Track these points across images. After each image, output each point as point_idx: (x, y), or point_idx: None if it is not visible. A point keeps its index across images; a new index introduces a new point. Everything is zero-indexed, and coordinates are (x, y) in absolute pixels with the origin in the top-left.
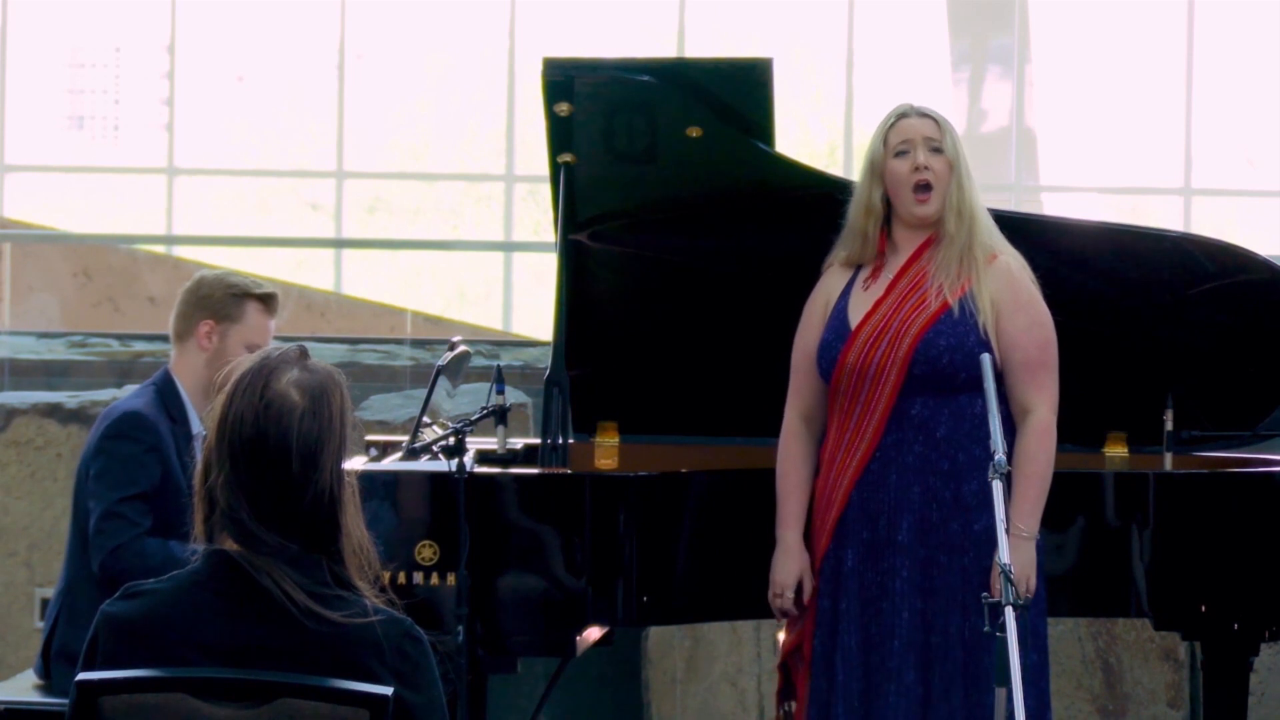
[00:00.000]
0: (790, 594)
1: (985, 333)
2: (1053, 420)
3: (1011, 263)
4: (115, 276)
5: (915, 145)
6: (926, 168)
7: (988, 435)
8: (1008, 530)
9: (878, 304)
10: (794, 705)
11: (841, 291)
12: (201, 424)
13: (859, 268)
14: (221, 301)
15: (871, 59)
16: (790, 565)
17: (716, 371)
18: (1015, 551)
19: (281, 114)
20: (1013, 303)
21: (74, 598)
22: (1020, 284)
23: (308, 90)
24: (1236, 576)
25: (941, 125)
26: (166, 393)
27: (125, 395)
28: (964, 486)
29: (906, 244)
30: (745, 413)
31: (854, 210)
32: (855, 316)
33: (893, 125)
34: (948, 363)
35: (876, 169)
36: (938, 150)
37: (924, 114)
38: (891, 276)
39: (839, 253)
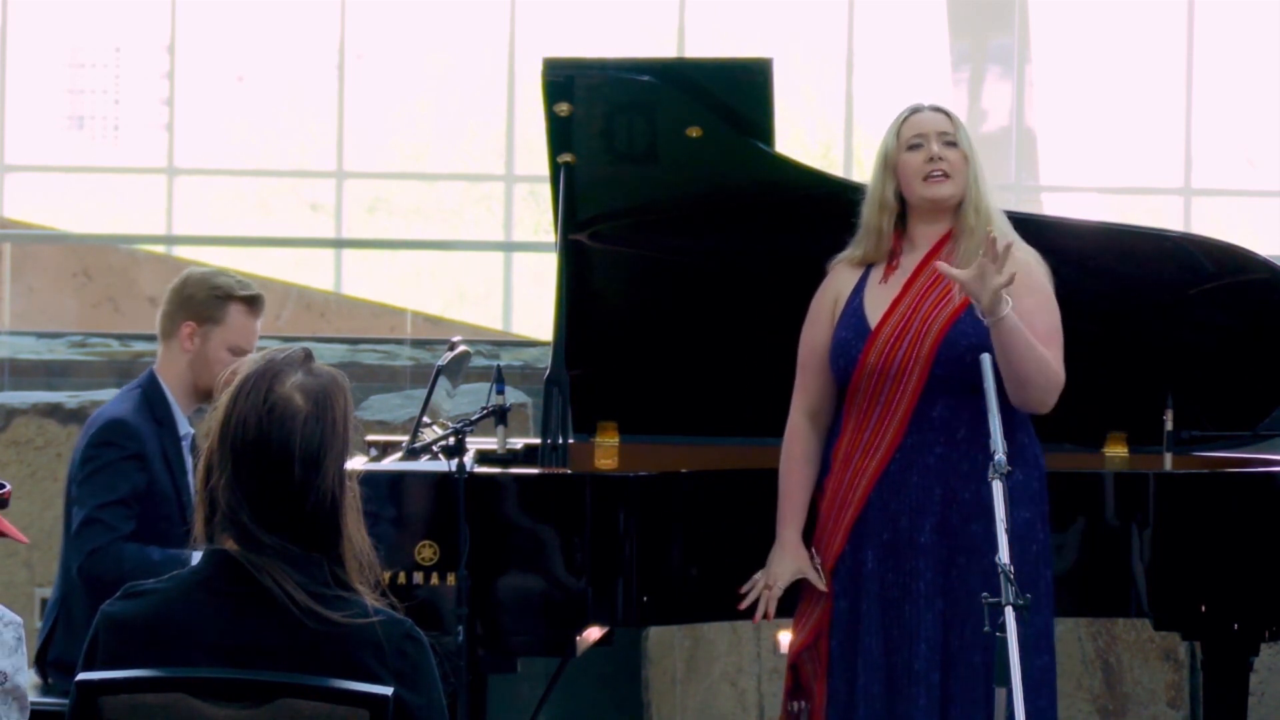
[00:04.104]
0: (780, 590)
1: None
2: (1062, 376)
3: (1027, 255)
4: (115, 276)
5: (929, 138)
6: (941, 158)
7: (1006, 436)
8: (1006, 500)
9: (896, 302)
10: (803, 705)
11: (854, 288)
12: (190, 425)
13: (870, 265)
14: (204, 303)
15: (871, 59)
16: (787, 562)
17: (716, 371)
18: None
19: (281, 114)
20: (1025, 286)
21: (69, 605)
22: (1034, 272)
23: (308, 90)
24: (1236, 576)
25: (955, 121)
26: (152, 395)
27: (111, 400)
28: (985, 488)
29: (924, 240)
30: (745, 413)
31: (867, 208)
32: (873, 315)
33: (906, 119)
34: (970, 362)
35: (890, 163)
36: (952, 144)
37: (937, 109)
38: (909, 274)
39: (852, 252)
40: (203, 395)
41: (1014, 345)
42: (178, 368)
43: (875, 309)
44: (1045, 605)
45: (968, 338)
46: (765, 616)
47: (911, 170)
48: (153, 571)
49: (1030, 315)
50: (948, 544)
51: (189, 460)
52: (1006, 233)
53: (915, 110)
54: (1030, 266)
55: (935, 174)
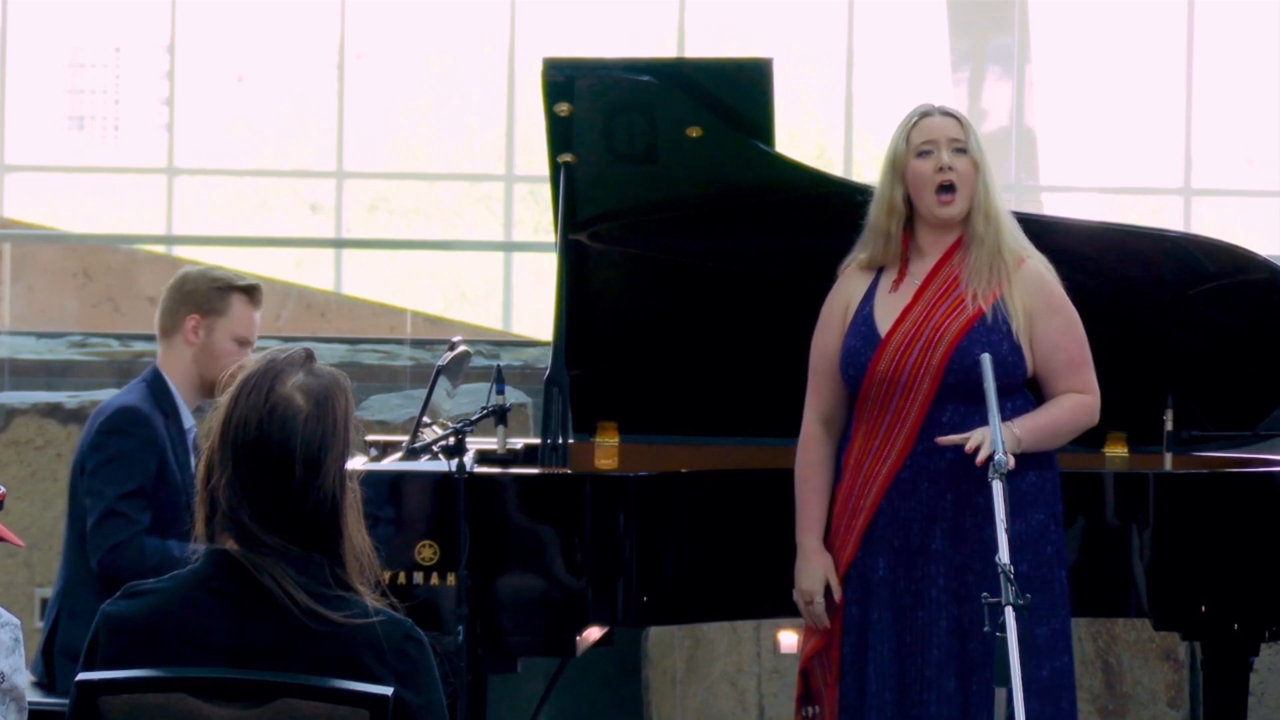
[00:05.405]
0: (820, 599)
1: (1017, 339)
2: (1098, 405)
3: (1039, 266)
4: (115, 276)
5: (939, 145)
6: (950, 168)
7: None
8: (1007, 501)
9: (907, 310)
10: (815, 709)
11: (864, 295)
12: (193, 419)
13: (880, 271)
14: (206, 296)
15: (871, 59)
16: (815, 571)
17: (716, 371)
18: (1004, 430)
19: (281, 114)
20: (1047, 307)
21: (73, 596)
22: (1051, 287)
23: (308, 90)
24: (1236, 577)
25: (965, 125)
26: (157, 389)
27: (116, 393)
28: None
29: (933, 248)
30: (745, 412)
31: (875, 210)
32: (883, 323)
33: (915, 124)
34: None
35: (898, 168)
36: (962, 150)
37: (947, 113)
38: (920, 282)
39: (858, 255)
40: (207, 389)
41: (1045, 445)
42: (182, 362)
43: (885, 317)
44: (1061, 606)
45: (980, 347)
46: (827, 628)
47: (921, 179)
48: (174, 568)
49: (1060, 338)
50: (961, 550)
51: (193, 456)
52: (1016, 236)
53: (925, 114)
54: (1048, 285)
55: (945, 190)
